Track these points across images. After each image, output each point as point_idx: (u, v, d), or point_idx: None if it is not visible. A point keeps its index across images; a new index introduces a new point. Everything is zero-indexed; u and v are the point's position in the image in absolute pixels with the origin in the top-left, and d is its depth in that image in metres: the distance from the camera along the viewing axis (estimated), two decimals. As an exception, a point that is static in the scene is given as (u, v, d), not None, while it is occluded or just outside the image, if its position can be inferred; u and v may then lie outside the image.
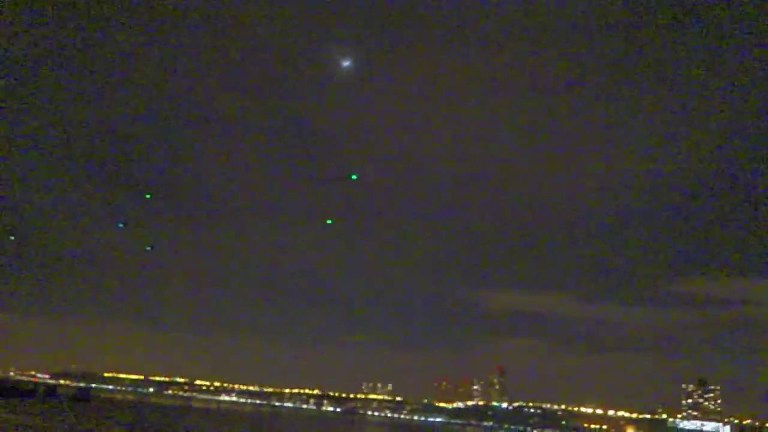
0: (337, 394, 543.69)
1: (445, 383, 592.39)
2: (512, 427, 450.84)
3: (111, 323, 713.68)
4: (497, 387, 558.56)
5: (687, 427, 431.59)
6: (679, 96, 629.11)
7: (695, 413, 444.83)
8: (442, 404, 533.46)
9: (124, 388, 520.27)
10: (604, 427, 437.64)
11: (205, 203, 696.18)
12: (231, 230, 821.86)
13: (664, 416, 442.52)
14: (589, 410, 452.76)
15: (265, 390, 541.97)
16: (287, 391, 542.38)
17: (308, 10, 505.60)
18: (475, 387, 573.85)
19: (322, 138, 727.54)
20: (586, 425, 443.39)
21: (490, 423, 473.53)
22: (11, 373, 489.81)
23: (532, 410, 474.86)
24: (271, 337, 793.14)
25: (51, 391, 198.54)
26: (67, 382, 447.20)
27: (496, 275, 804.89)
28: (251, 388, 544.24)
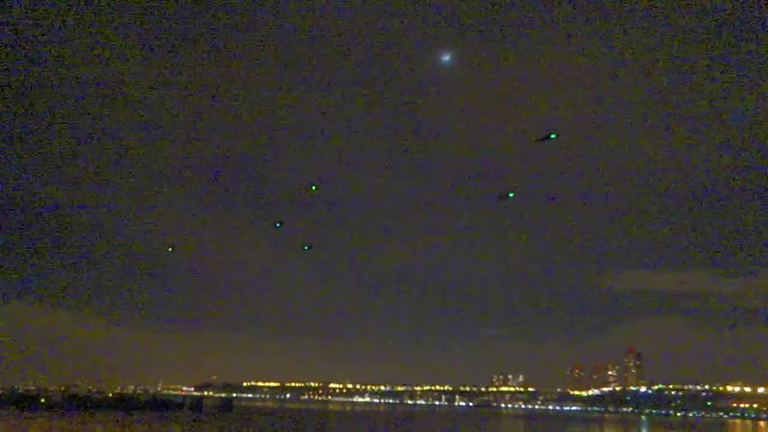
0: (468, 389, 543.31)
1: (578, 371, 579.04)
2: (653, 411, 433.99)
3: (246, 334, 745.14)
4: (633, 371, 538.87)
5: None
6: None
7: None
8: (576, 392, 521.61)
9: (262, 396, 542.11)
10: (755, 405, 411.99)
11: (337, 210, 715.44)
12: (364, 232, 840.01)
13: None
14: (736, 389, 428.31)
15: (397, 389, 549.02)
16: (418, 389, 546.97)
17: (403, 9, 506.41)
18: (610, 372, 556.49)
19: (434, 134, 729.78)
20: (734, 405, 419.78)
21: (630, 408, 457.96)
22: (159, 388, 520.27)
23: (673, 393, 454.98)
24: (400, 337, 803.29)
25: (197, 403, 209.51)
26: (210, 393, 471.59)
27: (624, 255, 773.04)
28: (383, 387, 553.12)
